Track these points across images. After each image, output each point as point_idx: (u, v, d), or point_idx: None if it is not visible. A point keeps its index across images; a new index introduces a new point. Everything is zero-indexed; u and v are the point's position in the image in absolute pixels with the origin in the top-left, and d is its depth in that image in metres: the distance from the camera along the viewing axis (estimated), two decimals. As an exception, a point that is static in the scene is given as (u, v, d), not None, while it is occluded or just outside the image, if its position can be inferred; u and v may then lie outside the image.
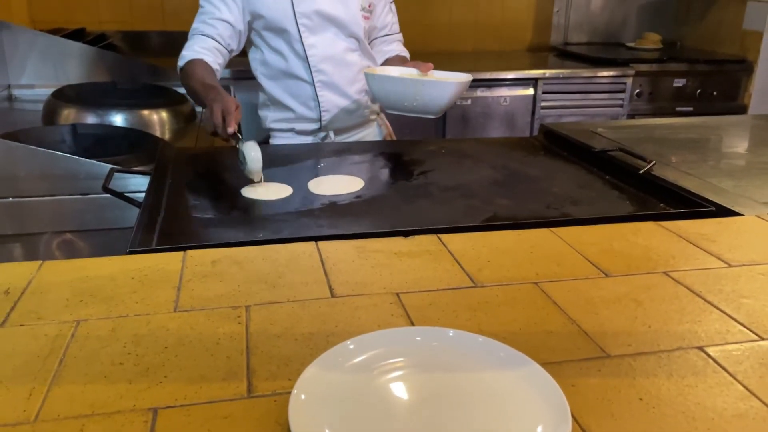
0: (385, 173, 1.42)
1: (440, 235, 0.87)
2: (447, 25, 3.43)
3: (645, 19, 3.58)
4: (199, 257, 0.79)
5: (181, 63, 1.56)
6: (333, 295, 0.70)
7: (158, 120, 1.96)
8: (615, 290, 0.72)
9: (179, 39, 3.21)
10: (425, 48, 3.43)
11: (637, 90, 3.01)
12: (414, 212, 1.14)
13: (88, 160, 1.43)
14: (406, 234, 0.88)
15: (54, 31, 2.57)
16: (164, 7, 3.19)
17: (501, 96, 2.94)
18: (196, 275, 0.74)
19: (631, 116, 3.02)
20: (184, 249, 0.82)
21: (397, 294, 0.71)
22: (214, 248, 0.81)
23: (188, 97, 1.66)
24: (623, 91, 2.99)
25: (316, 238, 0.86)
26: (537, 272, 0.77)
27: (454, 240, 0.86)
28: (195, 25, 1.61)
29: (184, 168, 1.36)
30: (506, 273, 0.76)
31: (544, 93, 2.94)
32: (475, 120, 2.93)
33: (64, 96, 1.96)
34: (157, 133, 1.89)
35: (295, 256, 0.80)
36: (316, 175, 1.32)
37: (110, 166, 1.35)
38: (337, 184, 1.26)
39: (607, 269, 0.78)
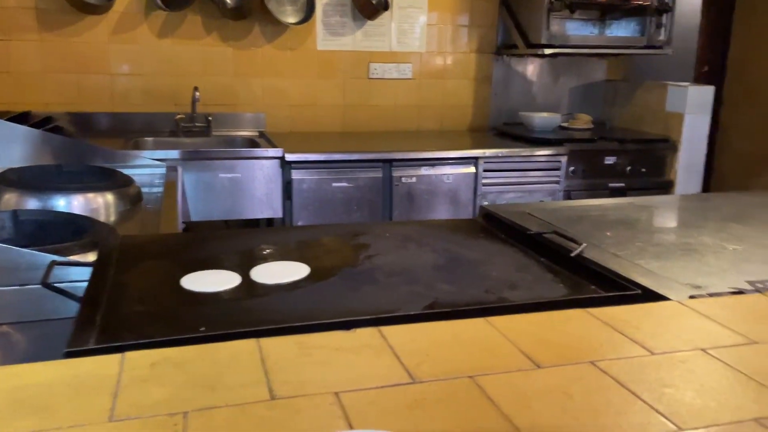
0: (330, 259, 1.45)
1: (381, 328, 0.90)
2: (392, 107, 3.58)
3: (576, 100, 3.83)
4: (137, 360, 0.78)
5: None
6: (273, 398, 0.71)
7: (103, 203, 1.95)
8: (546, 382, 0.76)
9: (128, 120, 3.27)
10: (372, 128, 3.56)
11: (572, 168, 3.18)
12: (358, 300, 1.16)
13: (27, 250, 1.41)
14: (347, 326, 0.90)
15: (-2, 115, 2.56)
16: (113, 88, 3.23)
17: (444, 174, 3.06)
18: (134, 380, 0.74)
19: (567, 193, 3.17)
20: (122, 350, 0.81)
21: (337, 394, 0.72)
22: (153, 348, 0.81)
23: None
24: (559, 169, 3.15)
25: (258, 333, 0.87)
26: (473, 366, 0.79)
27: (394, 333, 0.88)
28: None
29: (128, 257, 1.35)
30: (444, 367, 0.79)
31: (485, 171, 3.07)
32: (420, 197, 3.03)
33: (5, 180, 1.93)
34: (102, 217, 1.88)
35: (235, 355, 0.80)
36: (260, 262, 1.33)
37: (51, 257, 1.33)
38: (281, 272, 1.28)
39: (539, 360, 0.81)
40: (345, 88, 3.50)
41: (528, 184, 3.17)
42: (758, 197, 2.01)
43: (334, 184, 2.92)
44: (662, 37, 3.34)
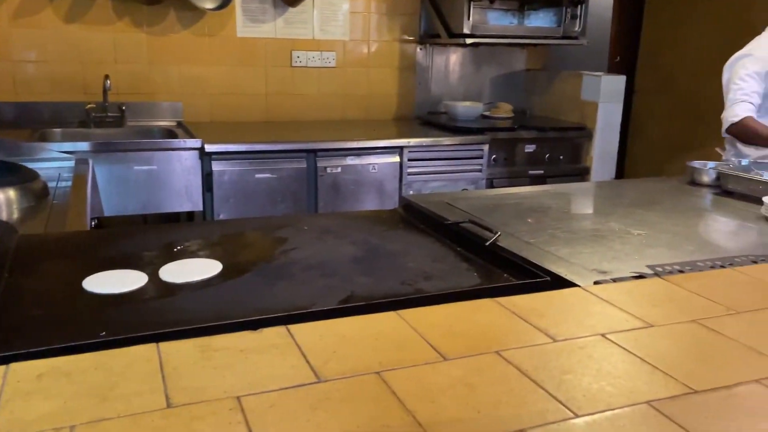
0: (246, 254, 1.41)
1: (290, 326, 0.88)
2: (316, 96, 3.54)
3: (497, 89, 3.90)
4: (23, 371, 0.73)
5: (735, 120, 2.40)
6: (169, 405, 0.68)
7: (4, 199, 1.84)
8: (451, 374, 0.76)
9: (33, 110, 3.07)
10: (295, 117, 3.50)
11: (494, 156, 3.24)
12: (271, 297, 1.14)
13: None
14: (254, 326, 0.88)
15: None
16: (16, 76, 3.03)
17: (370, 164, 3.05)
18: (18, 393, 0.69)
19: (489, 180, 3.24)
20: (8, 360, 0.76)
21: (238, 398, 0.70)
22: (41, 359, 0.76)
23: (749, 139, 2.43)
24: (481, 157, 3.20)
25: (158, 336, 0.83)
26: (380, 361, 0.79)
27: (302, 331, 0.86)
28: (738, 96, 2.42)
29: (26, 258, 1.27)
30: (351, 364, 0.78)
31: (409, 160, 3.09)
32: (346, 187, 3.01)
33: None
34: (3, 214, 1.76)
35: (131, 362, 0.76)
36: (171, 260, 1.28)
37: (-65, 261, 1.23)
38: (192, 270, 1.23)
39: (445, 352, 0.81)
40: (267, 77, 3.42)
41: (452, 172, 3.21)
42: (664, 183, 2.11)
43: (257, 176, 2.86)
44: (577, 27, 3.44)
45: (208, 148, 2.76)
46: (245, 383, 0.73)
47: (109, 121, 3.09)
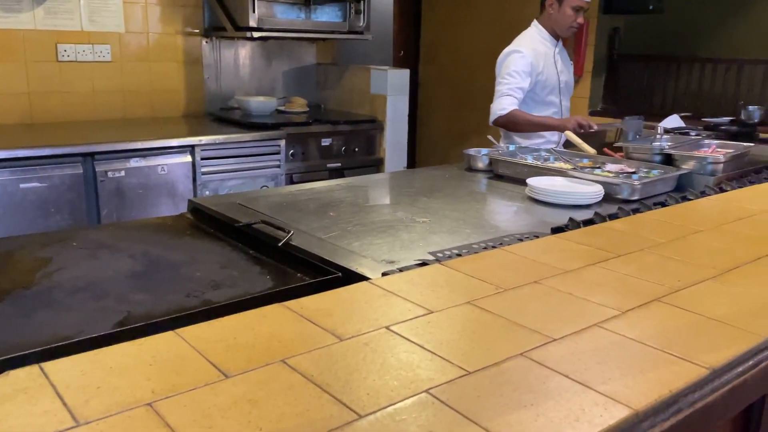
0: (-2, 281, 1.21)
1: (43, 364, 0.76)
2: (90, 93, 3.21)
3: (290, 83, 3.88)
4: None
5: (503, 113, 2.64)
6: None
7: None
8: (233, 393, 0.72)
9: None
10: (67, 118, 3.15)
11: (291, 151, 3.22)
12: (27, 330, 0.99)
13: None
14: (-2, 371, 0.75)
15: None
16: None
17: (158, 165, 2.85)
18: None
19: (289, 176, 3.21)
20: None
21: (-31, 464, 0.58)
22: None
23: (520, 127, 2.70)
24: (279, 153, 3.16)
25: None
26: (153, 389, 0.72)
27: (59, 368, 0.75)
28: (504, 89, 2.67)
29: None
30: (118, 398, 0.70)
31: (202, 159, 2.94)
32: (132, 192, 2.78)
33: None
34: None
35: None
36: None
37: None
38: (-77, 309, 1.03)
39: (227, 369, 0.77)
40: (28, 73, 3.02)
41: (250, 169, 3.12)
42: (445, 171, 2.26)
43: (22, 186, 2.51)
44: (362, 23, 3.54)
45: (-45, 157, 2.36)
46: (-20, 444, 0.61)
47: None
